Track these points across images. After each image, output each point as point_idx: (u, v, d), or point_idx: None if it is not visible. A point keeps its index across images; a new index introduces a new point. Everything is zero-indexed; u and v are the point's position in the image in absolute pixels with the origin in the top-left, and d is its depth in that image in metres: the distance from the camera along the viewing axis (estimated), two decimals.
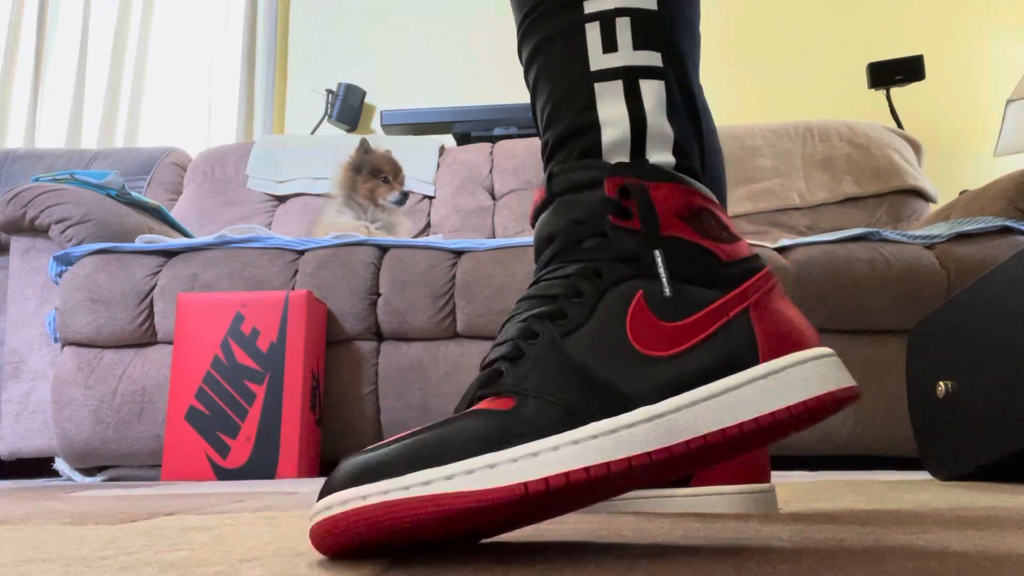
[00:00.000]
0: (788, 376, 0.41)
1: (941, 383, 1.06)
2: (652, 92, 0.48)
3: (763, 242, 1.77)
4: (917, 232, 1.76)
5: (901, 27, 2.91)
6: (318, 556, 0.40)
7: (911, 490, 0.89)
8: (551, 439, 0.37)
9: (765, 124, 2.52)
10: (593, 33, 0.49)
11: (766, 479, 0.64)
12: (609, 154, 0.48)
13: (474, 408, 0.41)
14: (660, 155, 0.48)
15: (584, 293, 0.44)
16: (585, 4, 0.49)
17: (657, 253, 0.44)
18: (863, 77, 2.77)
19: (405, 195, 2.12)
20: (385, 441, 0.39)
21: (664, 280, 0.44)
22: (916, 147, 2.47)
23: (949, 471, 1.06)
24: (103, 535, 0.51)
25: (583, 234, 0.46)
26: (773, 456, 1.53)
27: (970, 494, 0.80)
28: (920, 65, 2.65)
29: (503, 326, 0.46)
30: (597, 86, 0.48)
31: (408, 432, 0.40)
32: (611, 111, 0.48)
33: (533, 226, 0.50)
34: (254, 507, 0.74)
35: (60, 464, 1.69)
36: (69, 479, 1.68)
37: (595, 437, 0.38)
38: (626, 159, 0.47)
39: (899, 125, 2.66)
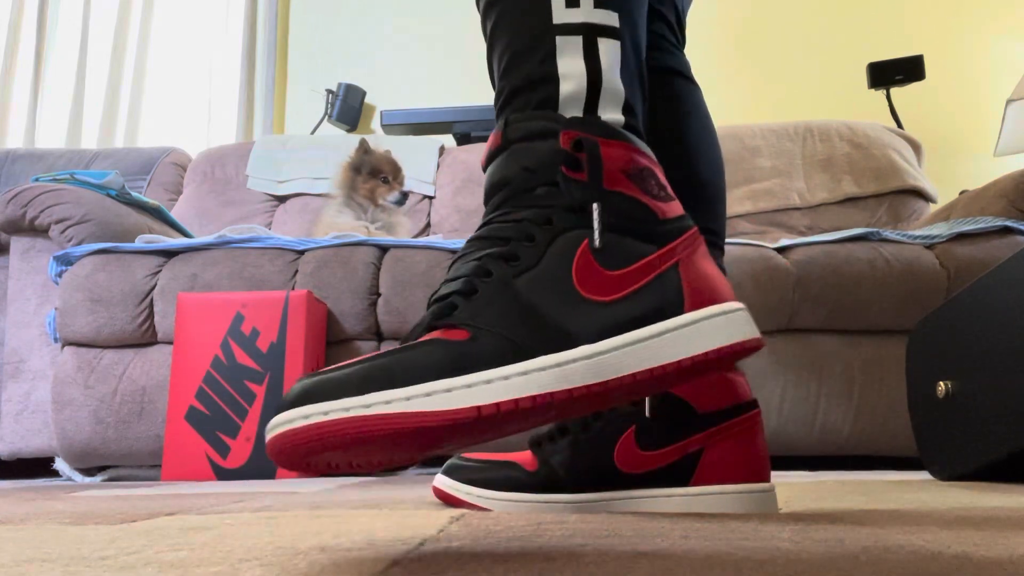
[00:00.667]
0: (707, 325, 0.46)
1: (941, 383, 1.06)
2: (608, 51, 0.51)
3: (763, 242, 1.76)
4: (917, 232, 1.76)
5: (901, 27, 2.91)
6: (318, 556, 0.40)
7: (911, 490, 0.89)
8: (502, 369, 0.41)
9: (765, 124, 2.52)
10: None
11: (766, 479, 0.64)
12: (564, 107, 0.50)
13: (428, 337, 0.44)
14: (611, 113, 0.50)
15: (536, 238, 0.47)
16: None
17: (595, 206, 0.47)
18: (863, 77, 2.77)
19: (405, 195, 2.12)
20: (336, 365, 0.41)
21: (596, 231, 0.47)
22: (916, 147, 2.47)
23: (949, 471, 1.06)
24: (103, 535, 0.51)
25: (535, 182, 0.49)
26: (773, 456, 1.52)
27: (970, 494, 0.80)
28: (920, 65, 2.65)
29: (452, 264, 0.49)
30: (559, 39, 0.50)
31: (359, 358, 0.42)
32: (570, 65, 0.50)
33: (485, 170, 0.52)
34: (254, 507, 0.74)
35: (60, 464, 1.69)
36: (69, 479, 1.68)
37: (543, 370, 0.42)
38: (580, 114, 0.50)
39: (899, 125, 2.66)
